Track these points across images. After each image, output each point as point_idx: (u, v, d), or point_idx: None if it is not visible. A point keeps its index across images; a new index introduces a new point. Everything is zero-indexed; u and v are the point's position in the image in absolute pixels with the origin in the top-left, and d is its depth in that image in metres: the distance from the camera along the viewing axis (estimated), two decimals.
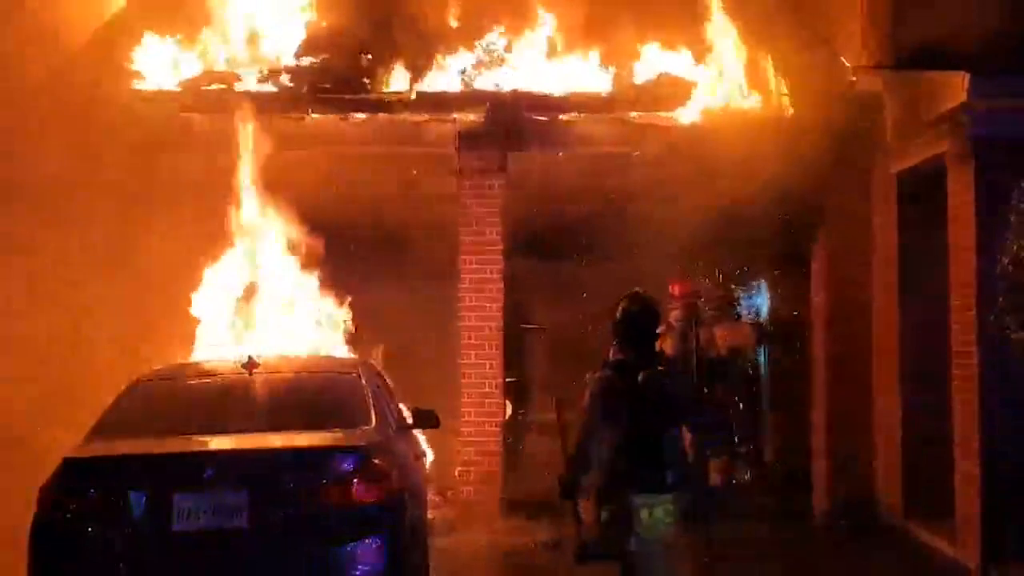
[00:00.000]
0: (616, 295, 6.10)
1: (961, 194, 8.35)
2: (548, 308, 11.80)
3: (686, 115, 9.89)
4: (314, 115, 9.94)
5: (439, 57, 10.23)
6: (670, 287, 10.28)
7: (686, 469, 5.89)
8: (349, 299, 9.15)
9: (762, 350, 11.86)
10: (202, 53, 10.31)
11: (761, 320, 12.03)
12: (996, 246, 8.07)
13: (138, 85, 9.99)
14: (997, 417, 8.05)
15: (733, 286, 11.67)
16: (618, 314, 5.92)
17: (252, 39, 10.38)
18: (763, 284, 12.17)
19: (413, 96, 9.99)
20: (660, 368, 5.84)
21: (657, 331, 6.06)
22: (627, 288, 6.17)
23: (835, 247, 10.25)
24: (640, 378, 5.74)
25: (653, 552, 5.64)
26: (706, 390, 10.10)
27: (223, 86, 9.96)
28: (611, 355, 5.89)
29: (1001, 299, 8.02)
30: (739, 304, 10.89)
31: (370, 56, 10.16)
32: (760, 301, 12.27)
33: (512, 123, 9.87)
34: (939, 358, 8.76)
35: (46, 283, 9.27)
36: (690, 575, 6.00)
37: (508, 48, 10.41)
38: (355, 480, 5.96)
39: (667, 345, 10.07)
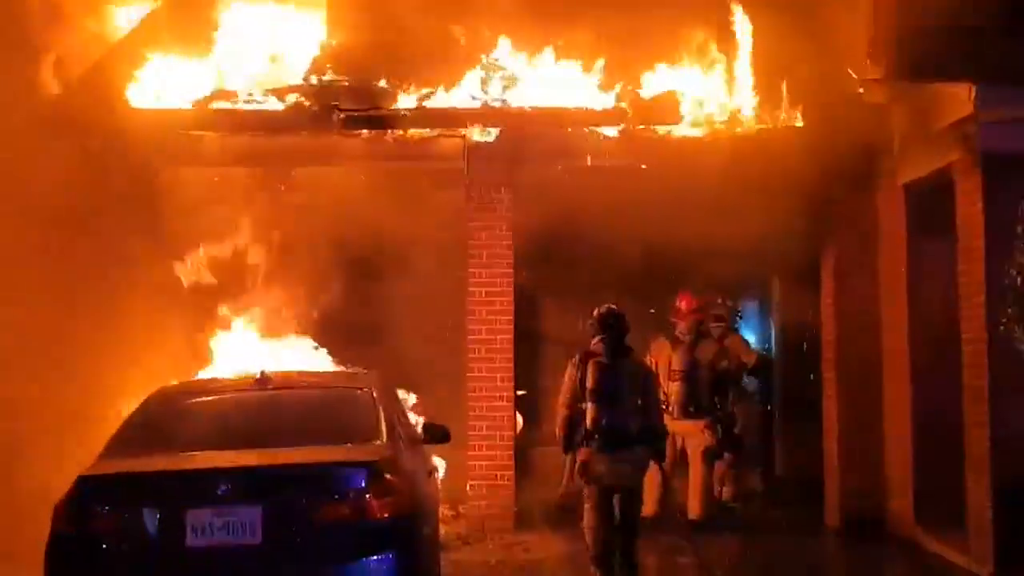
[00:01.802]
0: (626, 305, 8.23)
1: (969, 205, 8.37)
2: (559, 320, 11.83)
3: (692, 128, 9.92)
4: (324, 133, 10.00)
5: (448, 73, 10.28)
6: (677, 300, 10.31)
7: (638, 430, 7.76)
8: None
9: (772, 362, 11.87)
10: (214, 72, 10.38)
11: (769, 333, 12.06)
12: (1005, 257, 8.08)
13: (149, 103, 10.05)
14: (1009, 426, 8.06)
15: (741, 299, 11.67)
16: (595, 317, 8.00)
17: (263, 58, 10.44)
18: (772, 297, 12.18)
19: (422, 112, 10.06)
20: (625, 359, 7.90)
21: (624, 329, 7.93)
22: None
23: (843, 259, 10.27)
24: (602, 362, 7.79)
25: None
26: (717, 402, 10.12)
27: (234, 105, 10.03)
28: (591, 346, 7.94)
29: (1009, 310, 8.03)
30: (741, 317, 10.90)
31: (380, 74, 10.21)
32: (769, 314, 12.27)
33: (520, 137, 9.92)
34: (950, 368, 8.76)
35: (56, 297, 9.32)
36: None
37: (516, 63, 10.45)
38: (367, 495, 5.98)
39: (675, 358, 10.11)
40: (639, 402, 7.84)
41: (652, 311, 10.67)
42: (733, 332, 10.55)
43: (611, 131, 9.97)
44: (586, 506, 7.89)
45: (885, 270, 10.07)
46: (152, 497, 5.95)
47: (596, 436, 7.69)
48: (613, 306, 8.03)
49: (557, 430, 7.99)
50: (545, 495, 10.18)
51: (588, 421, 7.71)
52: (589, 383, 7.75)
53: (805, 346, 11.13)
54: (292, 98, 10.01)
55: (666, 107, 9.96)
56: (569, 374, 7.91)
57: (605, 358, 7.82)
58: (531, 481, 10.63)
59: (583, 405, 7.77)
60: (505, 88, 10.26)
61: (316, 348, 10.03)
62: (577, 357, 7.94)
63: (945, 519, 8.96)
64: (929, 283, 9.38)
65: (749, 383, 10.75)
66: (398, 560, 6.01)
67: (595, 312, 8.04)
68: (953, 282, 8.63)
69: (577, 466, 7.86)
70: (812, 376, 10.78)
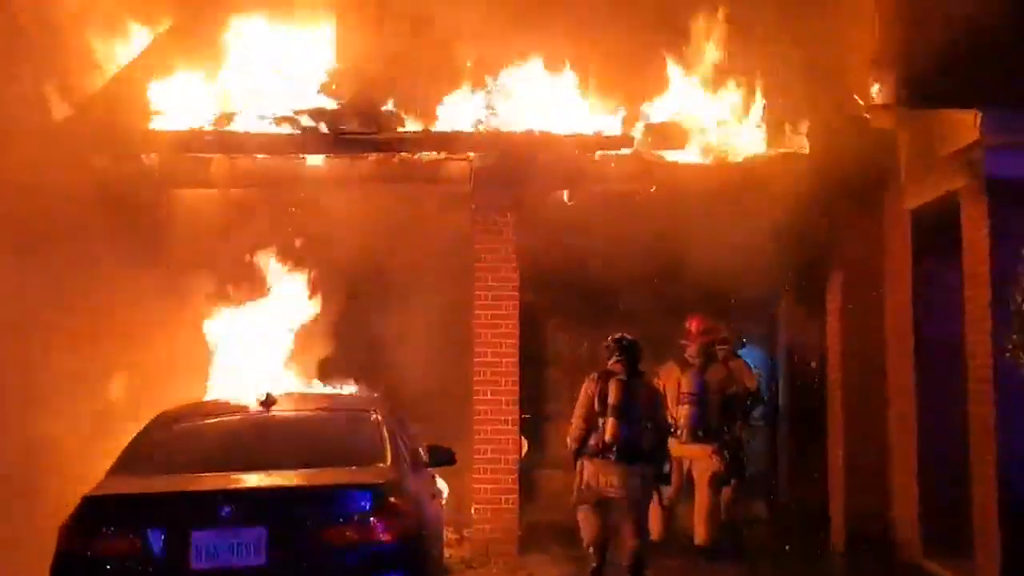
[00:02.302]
0: (632, 329, 8.84)
1: (975, 231, 8.38)
2: (565, 343, 11.82)
3: (698, 154, 9.95)
4: (331, 155, 10.04)
5: (454, 96, 10.33)
6: (688, 322, 10.28)
7: (649, 447, 8.38)
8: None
9: (776, 387, 11.82)
10: (222, 93, 10.44)
11: (775, 357, 12.01)
12: (1010, 282, 8.09)
13: (158, 124, 10.11)
14: (1014, 451, 8.04)
15: (747, 323, 11.62)
16: (611, 341, 8.63)
17: (271, 80, 10.50)
18: (778, 321, 12.15)
19: (429, 135, 10.10)
20: (639, 379, 8.50)
21: (639, 352, 8.55)
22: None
23: (849, 283, 10.26)
24: (622, 380, 8.39)
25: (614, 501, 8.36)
26: (725, 427, 10.08)
27: (242, 127, 10.07)
28: (609, 365, 8.54)
29: (1015, 336, 8.03)
30: (745, 342, 10.85)
31: (387, 97, 10.27)
32: (775, 338, 12.23)
33: (526, 161, 9.94)
34: (955, 393, 8.75)
35: (62, 315, 9.34)
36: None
37: (522, 86, 10.50)
38: (371, 518, 5.99)
39: (684, 380, 10.08)
40: (650, 421, 8.45)
41: (671, 328, 10.64)
42: (735, 356, 10.49)
43: (618, 156, 10.00)
44: (585, 510, 8.47)
45: (891, 295, 10.07)
46: (157, 518, 5.96)
47: (614, 449, 8.26)
48: (627, 335, 8.65)
49: (572, 442, 8.53)
50: (550, 518, 10.15)
51: (608, 435, 8.28)
52: (611, 399, 8.32)
53: (811, 370, 11.10)
54: (300, 120, 10.05)
55: (673, 132, 10.00)
56: (587, 389, 8.48)
57: (624, 376, 8.41)
58: (536, 505, 10.60)
59: (601, 420, 8.33)
60: (511, 111, 10.30)
61: (319, 373, 10.03)
62: (595, 374, 8.52)
63: (951, 543, 8.93)
64: (935, 308, 9.38)
65: (752, 407, 10.68)
66: None
67: (611, 337, 8.64)
68: (959, 306, 8.63)
69: (587, 476, 8.41)
70: (817, 400, 10.75)
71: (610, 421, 8.27)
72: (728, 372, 10.19)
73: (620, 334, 8.63)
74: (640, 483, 8.36)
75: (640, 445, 8.31)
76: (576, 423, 8.48)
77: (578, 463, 8.47)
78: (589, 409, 8.41)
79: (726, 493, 10.08)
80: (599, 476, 8.30)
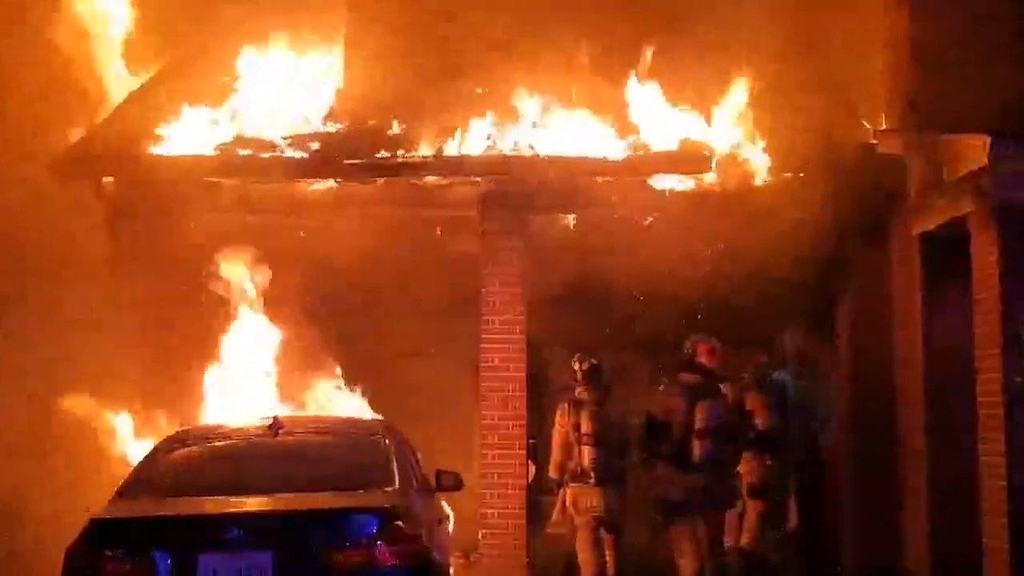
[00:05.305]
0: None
1: (984, 256, 8.35)
2: (571, 368, 11.78)
3: (707, 179, 9.94)
4: (338, 180, 10.06)
5: (462, 121, 10.35)
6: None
7: (612, 472, 8.81)
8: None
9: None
10: (232, 118, 10.48)
11: (785, 386, 11.92)
12: (1021, 309, 8.05)
13: (168, 149, 10.14)
14: None
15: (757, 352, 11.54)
16: (583, 369, 9.00)
17: (280, 105, 10.55)
18: (787, 349, 12.09)
19: (436, 160, 10.11)
20: (605, 405, 8.91)
21: (600, 376, 8.97)
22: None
23: (858, 309, 10.23)
24: (596, 411, 8.83)
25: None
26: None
27: (251, 151, 10.10)
28: (576, 393, 9.02)
29: None
30: (771, 375, 10.71)
31: (395, 121, 10.30)
32: (782, 367, 12.16)
33: (534, 186, 9.96)
34: (966, 421, 8.69)
35: (67, 346, 9.37)
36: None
37: (531, 111, 10.53)
38: (378, 542, 5.97)
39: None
40: (625, 443, 8.94)
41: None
42: (754, 385, 10.23)
43: (623, 181, 10.00)
44: (581, 535, 8.93)
45: (901, 321, 10.02)
46: (164, 541, 5.94)
47: (592, 474, 8.76)
48: (589, 360, 9.06)
49: (553, 471, 9.06)
50: (559, 544, 10.08)
51: (585, 461, 8.79)
52: (584, 428, 8.80)
53: (819, 399, 11.02)
54: (308, 145, 10.08)
55: (681, 158, 9.99)
56: (561, 420, 9.01)
57: (597, 406, 8.87)
58: (543, 530, 10.54)
59: (577, 448, 8.83)
60: (520, 136, 10.31)
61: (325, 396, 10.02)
62: (566, 404, 9.00)
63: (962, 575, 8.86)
64: (945, 334, 9.33)
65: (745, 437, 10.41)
66: None
67: (576, 365, 9.04)
68: (970, 333, 8.59)
69: (569, 501, 8.93)
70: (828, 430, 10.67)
71: (584, 449, 8.78)
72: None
73: (588, 362, 9.01)
74: (616, 503, 8.84)
75: (615, 468, 8.82)
76: (555, 454, 9.01)
77: (560, 489, 9.00)
78: (565, 439, 8.91)
79: (731, 518, 9.89)
80: (578, 500, 8.82)
